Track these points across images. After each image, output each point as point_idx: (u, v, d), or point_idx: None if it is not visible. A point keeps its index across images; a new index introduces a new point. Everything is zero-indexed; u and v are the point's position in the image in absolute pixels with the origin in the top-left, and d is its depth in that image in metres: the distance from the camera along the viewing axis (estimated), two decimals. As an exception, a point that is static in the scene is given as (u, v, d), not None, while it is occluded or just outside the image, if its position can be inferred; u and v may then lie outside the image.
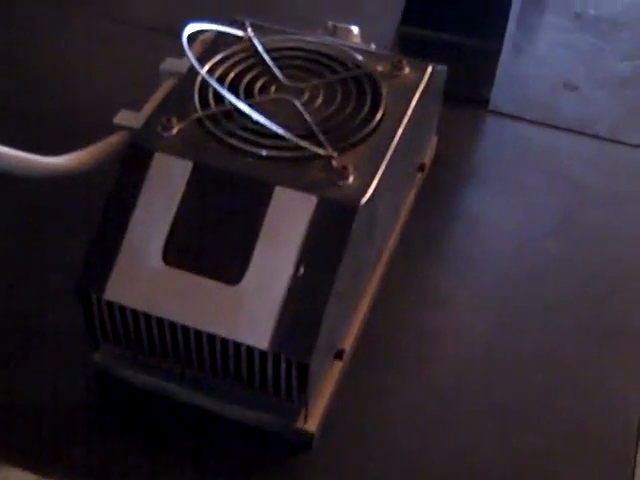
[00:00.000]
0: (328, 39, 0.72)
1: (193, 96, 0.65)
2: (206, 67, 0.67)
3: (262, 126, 0.62)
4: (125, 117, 0.66)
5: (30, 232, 0.76)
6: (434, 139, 0.83)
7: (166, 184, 0.60)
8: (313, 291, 0.57)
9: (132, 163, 0.61)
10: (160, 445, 0.62)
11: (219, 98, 0.64)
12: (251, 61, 0.69)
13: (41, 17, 1.00)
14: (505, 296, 0.74)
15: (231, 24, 0.71)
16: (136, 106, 0.67)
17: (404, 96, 0.67)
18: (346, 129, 0.63)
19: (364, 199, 0.58)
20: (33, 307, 0.70)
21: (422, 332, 0.71)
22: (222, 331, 0.57)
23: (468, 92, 0.92)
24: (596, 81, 0.96)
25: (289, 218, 0.58)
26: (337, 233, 0.57)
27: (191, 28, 0.67)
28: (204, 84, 0.65)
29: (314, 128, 0.62)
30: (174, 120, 0.62)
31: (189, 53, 0.64)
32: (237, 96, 0.64)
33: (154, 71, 0.70)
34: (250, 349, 0.57)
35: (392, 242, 0.74)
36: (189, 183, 0.60)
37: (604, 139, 0.89)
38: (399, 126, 0.64)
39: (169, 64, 0.70)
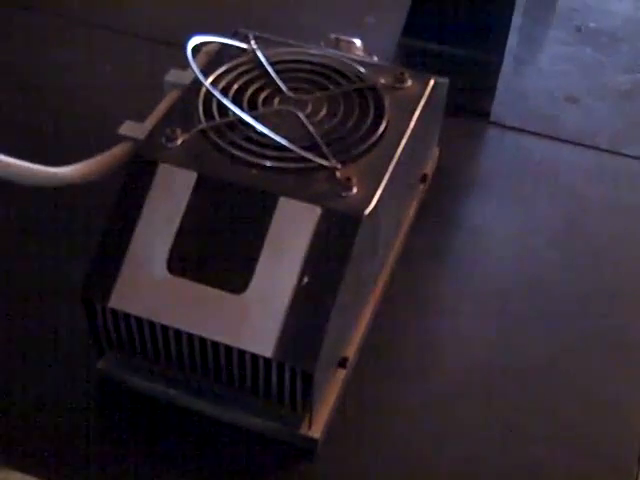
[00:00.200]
0: (331, 51, 0.73)
1: (197, 107, 0.65)
2: (210, 79, 0.67)
3: (266, 137, 0.63)
4: (129, 128, 0.66)
5: (34, 240, 0.76)
6: (436, 151, 0.83)
7: (170, 194, 0.61)
8: (317, 300, 0.57)
9: (137, 173, 0.62)
10: (162, 451, 0.63)
11: (223, 110, 0.65)
12: (255, 73, 0.69)
13: (41, 29, 1.00)
14: (506, 306, 0.74)
15: (234, 36, 0.72)
16: (139, 117, 0.67)
17: (407, 108, 0.67)
18: (349, 141, 0.64)
19: (368, 210, 0.59)
20: (37, 313, 0.70)
21: (424, 341, 0.71)
22: (226, 339, 0.58)
23: (469, 104, 0.93)
24: (596, 94, 0.96)
25: (293, 228, 0.58)
26: (341, 243, 0.58)
27: (195, 40, 0.68)
28: (208, 96, 0.66)
29: (318, 139, 0.63)
30: (178, 131, 0.63)
31: (193, 65, 0.64)
32: (241, 108, 0.65)
33: (156, 82, 0.71)
34: (254, 357, 0.58)
35: (394, 252, 0.75)
36: (193, 193, 0.60)
37: (605, 151, 0.89)
38: (402, 138, 0.65)
39: (173, 76, 0.70)
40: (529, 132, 0.91)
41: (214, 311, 0.58)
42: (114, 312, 0.60)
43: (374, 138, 0.64)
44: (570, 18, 1.07)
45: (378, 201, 0.60)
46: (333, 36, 0.77)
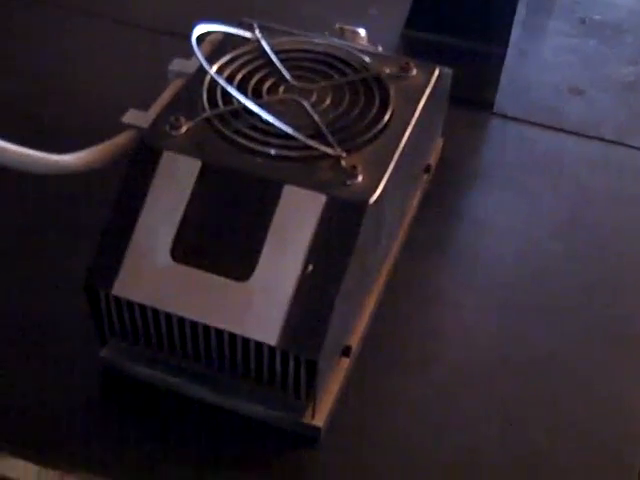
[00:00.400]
0: (336, 41, 0.73)
1: (202, 96, 0.65)
2: (214, 67, 0.67)
3: (271, 126, 0.62)
4: (133, 116, 0.66)
5: (36, 229, 0.76)
6: (440, 141, 0.83)
7: (174, 182, 0.60)
8: (321, 288, 0.57)
9: (141, 161, 0.62)
10: (165, 439, 0.63)
11: (227, 98, 0.65)
12: (259, 62, 0.69)
13: (41, 20, 1.00)
14: (510, 297, 0.74)
15: (239, 26, 0.72)
16: (143, 106, 0.67)
17: (412, 98, 0.67)
18: (354, 129, 0.64)
19: (373, 198, 0.59)
20: (39, 302, 0.70)
21: (427, 331, 0.71)
22: (230, 327, 0.58)
23: (473, 95, 0.93)
24: (600, 85, 0.96)
25: (298, 216, 0.58)
26: (345, 231, 0.58)
27: (200, 29, 0.68)
28: (212, 84, 0.66)
29: (323, 128, 0.63)
30: (182, 119, 0.62)
31: (198, 53, 0.64)
32: (245, 96, 0.65)
33: (159, 72, 0.71)
34: (259, 345, 0.58)
35: (398, 242, 0.75)
36: (197, 181, 0.60)
37: (609, 142, 0.89)
38: (407, 127, 0.65)
39: (177, 65, 0.70)
40: (533, 123, 0.91)
41: (218, 299, 0.58)
42: (117, 300, 0.60)
43: (379, 127, 0.64)
44: (574, 10, 1.07)
45: (383, 189, 0.60)
46: (338, 26, 0.77)
